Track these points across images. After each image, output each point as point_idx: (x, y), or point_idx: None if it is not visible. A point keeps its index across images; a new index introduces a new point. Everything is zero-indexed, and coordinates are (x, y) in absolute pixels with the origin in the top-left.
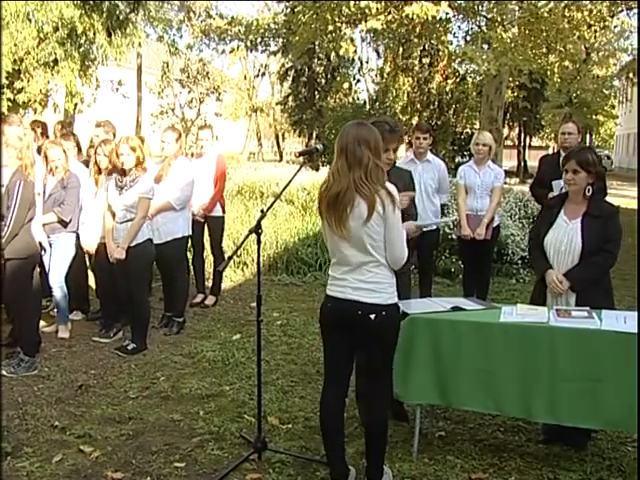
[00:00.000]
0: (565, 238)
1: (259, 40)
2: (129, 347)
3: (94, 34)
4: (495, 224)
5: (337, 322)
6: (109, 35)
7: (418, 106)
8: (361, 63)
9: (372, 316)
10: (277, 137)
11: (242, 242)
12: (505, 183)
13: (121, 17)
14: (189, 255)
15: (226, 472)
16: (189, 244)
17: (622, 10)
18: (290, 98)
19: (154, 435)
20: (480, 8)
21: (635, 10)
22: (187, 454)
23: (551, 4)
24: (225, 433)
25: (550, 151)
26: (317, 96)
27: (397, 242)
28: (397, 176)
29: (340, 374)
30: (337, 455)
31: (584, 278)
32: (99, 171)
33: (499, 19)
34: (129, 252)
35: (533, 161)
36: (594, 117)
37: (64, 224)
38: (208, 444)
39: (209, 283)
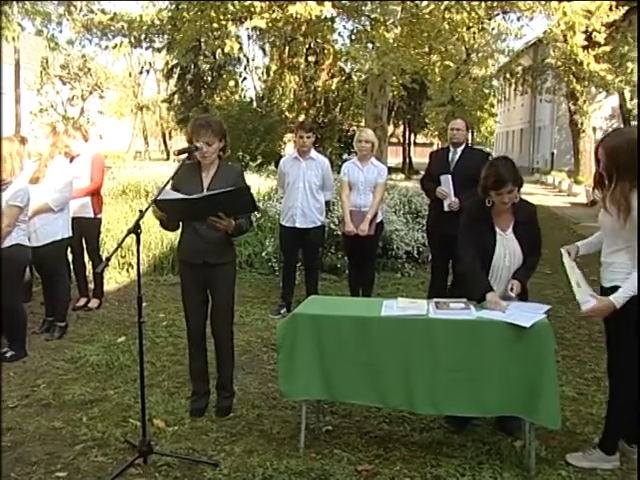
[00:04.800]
0: (507, 251)
1: (143, 36)
2: (7, 355)
3: None
4: (378, 220)
5: None
6: None
7: (305, 104)
8: (247, 61)
9: None
10: (164, 135)
11: (120, 243)
12: (390, 179)
13: None
14: (70, 257)
15: (110, 478)
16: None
17: (498, 14)
18: (176, 96)
19: (34, 445)
20: (363, 8)
21: (510, 14)
22: (69, 463)
23: (432, 6)
24: (109, 439)
25: (435, 147)
26: (203, 94)
27: None
28: None
29: None
30: None
31: (528, 278)
32: None
33: (382, 19)
34: None
35: (418, 158)
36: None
37: None
38: (91, 451)
39: (93, 286)
